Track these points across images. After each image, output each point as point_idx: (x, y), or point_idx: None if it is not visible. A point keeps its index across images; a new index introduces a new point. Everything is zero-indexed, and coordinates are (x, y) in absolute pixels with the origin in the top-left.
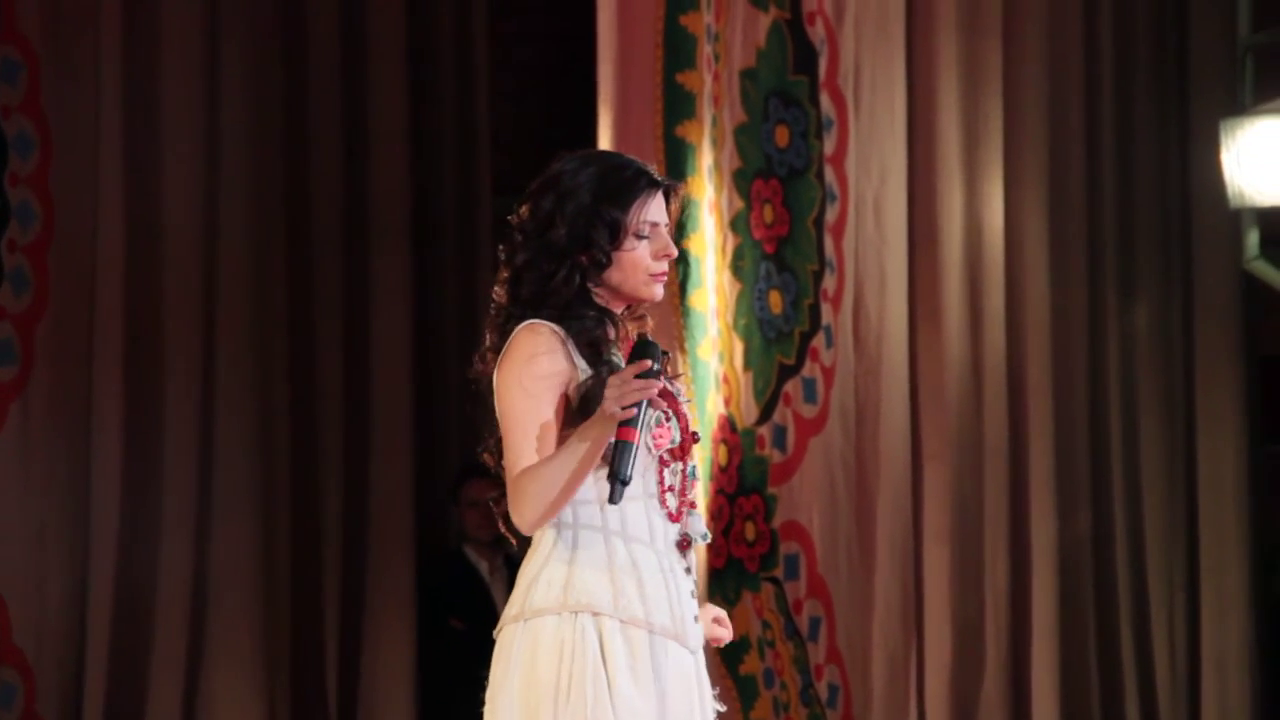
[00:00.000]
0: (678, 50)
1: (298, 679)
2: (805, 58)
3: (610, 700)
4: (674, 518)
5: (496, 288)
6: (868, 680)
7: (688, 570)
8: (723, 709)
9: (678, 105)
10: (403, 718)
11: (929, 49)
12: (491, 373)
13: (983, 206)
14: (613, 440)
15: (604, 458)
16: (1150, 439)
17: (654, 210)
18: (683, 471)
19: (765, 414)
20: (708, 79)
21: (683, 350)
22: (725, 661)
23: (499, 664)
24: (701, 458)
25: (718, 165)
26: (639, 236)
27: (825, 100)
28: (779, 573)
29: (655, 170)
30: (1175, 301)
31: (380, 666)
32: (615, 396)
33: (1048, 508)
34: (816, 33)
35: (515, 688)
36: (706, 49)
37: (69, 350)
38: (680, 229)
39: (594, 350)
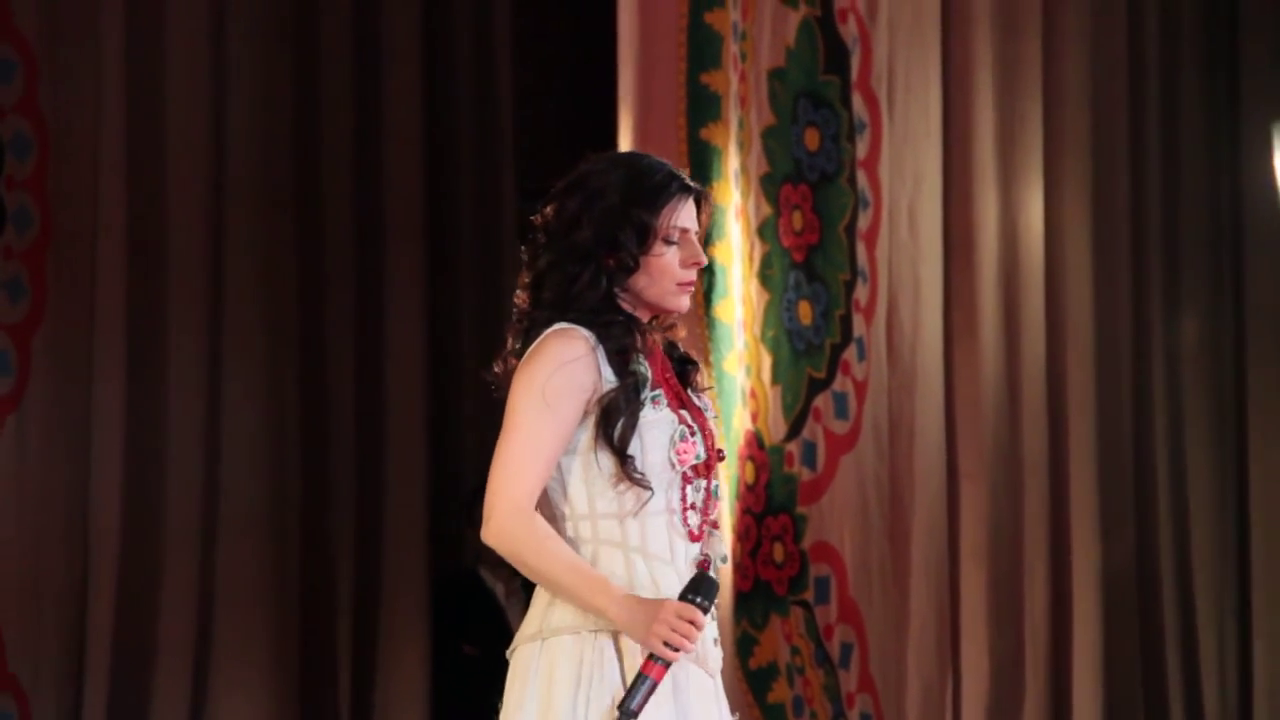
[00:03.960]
0: (702, 49)
1: (308, 706)
2: (837, 57)
3: None
4: (695, 537)
5: (519, 290)
6: (901, 710)
7: None
8: None
9: (702, 107)
10: None
11: (965, 47)
12: (511, 376)
13: (1021, 212)
14: (638, 674)
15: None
16: (1198, 456)
17: (684, 216)
18: (706, 489)
19: (794, 430)
20: (734, 79)
21: (708, 363)
22: (753, 689)
23: (515, 685)
24: (728, 475)
25: (745, 169)
26: (668, 242)
27: (857, 102)
28: (809, 596)
29: (687, 175)
30: (1225, 311)
31: (393, 692)
32: (664, 633)
33: (1090, 528)
34: (849, 31)
35: (532, 710)
36: (733, 48)
37: (68, 360)
38: (705, 237)
39: (622, 359)
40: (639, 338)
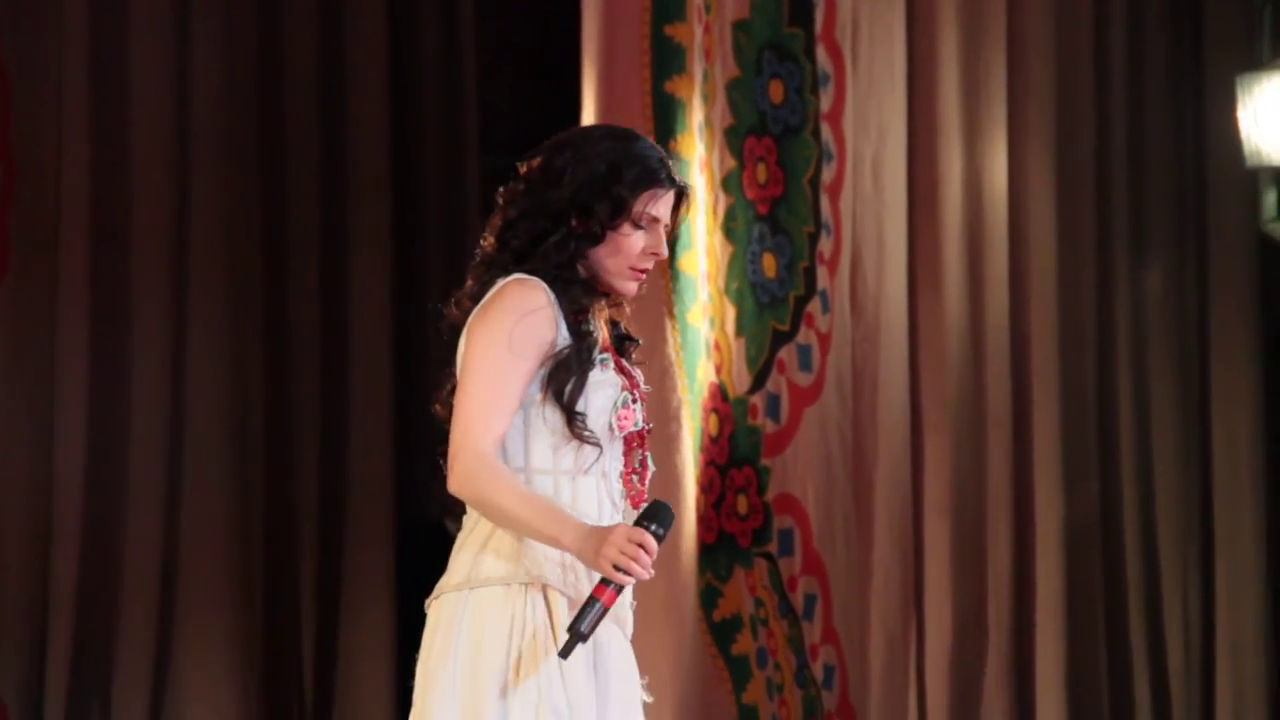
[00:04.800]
0: (666, 2)
1: (272, 661)
2: (801, 9)
3: (561, 678)
4: (636, 502)
5: (486, 233)
6: (865, 660)
7: None
8: (650, 699)
9: (666, 59)
10: (382, 700)
11: None
12: (465, 320)
13: (985, 165)
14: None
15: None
16: (1162, 409)
17: (661, 207)
18: (642, 459)
19: (758, 382)
20: (698, 31)
21: (672, 315)
22: (717, 641)
23: (439, 634)
24: (692, 427)
25: (709, 122)
26: (636, 225)
27: (822, 54)
28: (773, 548)
29: (676, 170)
30: (1189, 265)
31: (358, 647)
32: (613, 555)
33: (1053, 480)
34: None
35: (460, 661)
36: (696, 0)
37: (30, 315)
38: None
39: (576, 319)
40: (595, 300)
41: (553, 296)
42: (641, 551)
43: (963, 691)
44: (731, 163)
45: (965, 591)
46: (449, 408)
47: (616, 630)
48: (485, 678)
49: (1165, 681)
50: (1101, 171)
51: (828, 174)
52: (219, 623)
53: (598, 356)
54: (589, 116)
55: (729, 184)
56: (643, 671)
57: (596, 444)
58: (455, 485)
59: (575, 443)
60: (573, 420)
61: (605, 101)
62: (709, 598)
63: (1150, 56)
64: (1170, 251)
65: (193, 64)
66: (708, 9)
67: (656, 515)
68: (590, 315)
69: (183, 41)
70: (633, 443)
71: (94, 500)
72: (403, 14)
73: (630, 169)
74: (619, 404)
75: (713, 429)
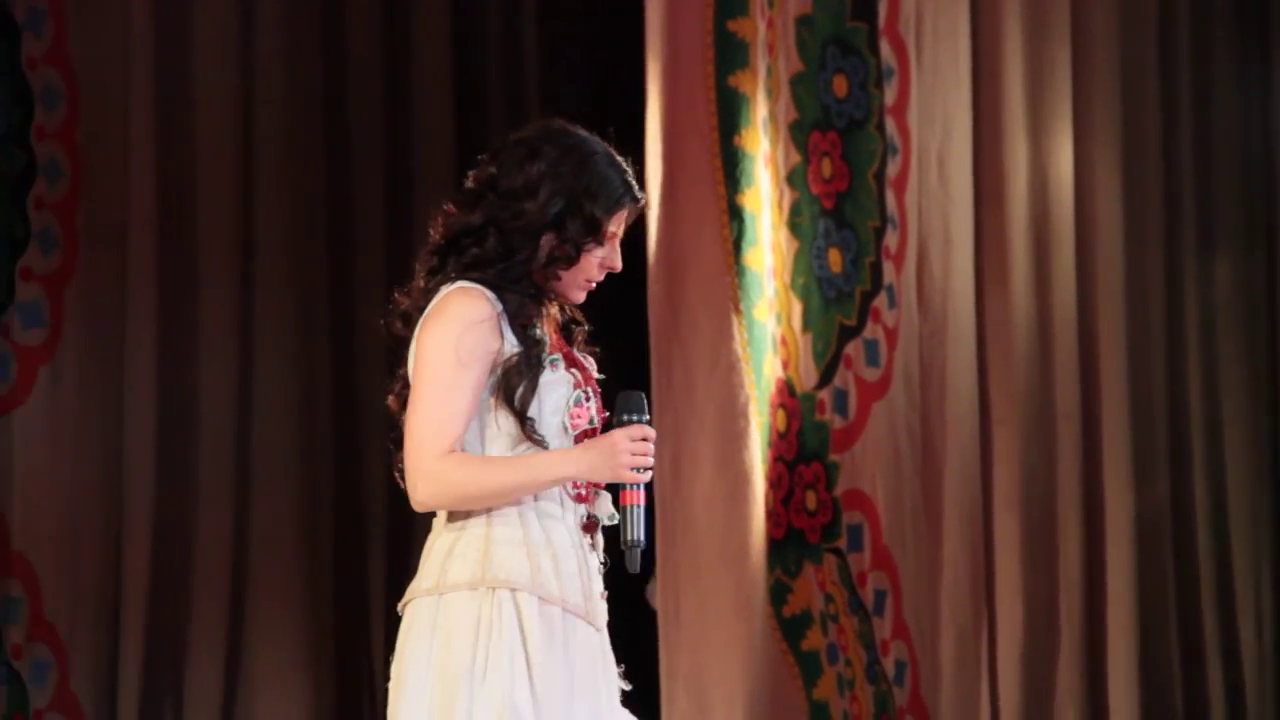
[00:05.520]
0: None
1: (342, 654)
2: (864, 3)
3: (529, 677)
4: (581, 499)
5: (438, 225)
6: (936, 656)
7: (592, 547)
8: (627, 687)
9: (730, 54)
10: None
11: None
12: (413, 315)
13: (1051, 157)
14: (616, 506)
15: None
16: (1232, 402)
17: (622, 222)
18: None
19: (825, 378)
20: (761, 26)
21: (738, 311)
22: (787, 637)
23: (411, 638)
24: (760, 423)
25: (773, 117)
26: (599, 243)
27: (885, 48)
28: (842, 544)
29: (635, 182)
30: (1257, 257)
31: None
32: (629, 460)
33: (1123, 474)
34: None
35: (429, 665)
36: None
37: (100, 311)
38: (735, 184)
39: (524, 327)
40: (542, 308)
41: (498, 305)
42: (647, 444)
43: (1035, 686)
44: (796, 158)
45: (1036, 586)
46: (401, 400)
47: (581, 624)
48: (453, 679)
49: (1239, 674)
50: (1168, 164)
51: (893, 168)
52: (289, 617)
53: (547, 359)
54: (653, 112)
55: (794, 179)
56: (713, 667)
57: (545, 446)
58: (425, 496)
59: (529, 444)
60: (524, 424)
61: (669, 97)
62: (778, 594)
63: (1216, 48)
64: (1238, 243)
65: (256, 64)
66: (770, 4)
67: (635, 405)
68: (536, 320)
69: (247, 43)
70: (584, 438)
71: (164, 498)
72: (466, 11)
73: (604, 188)
74: (571, 403)
75: (780, 425)
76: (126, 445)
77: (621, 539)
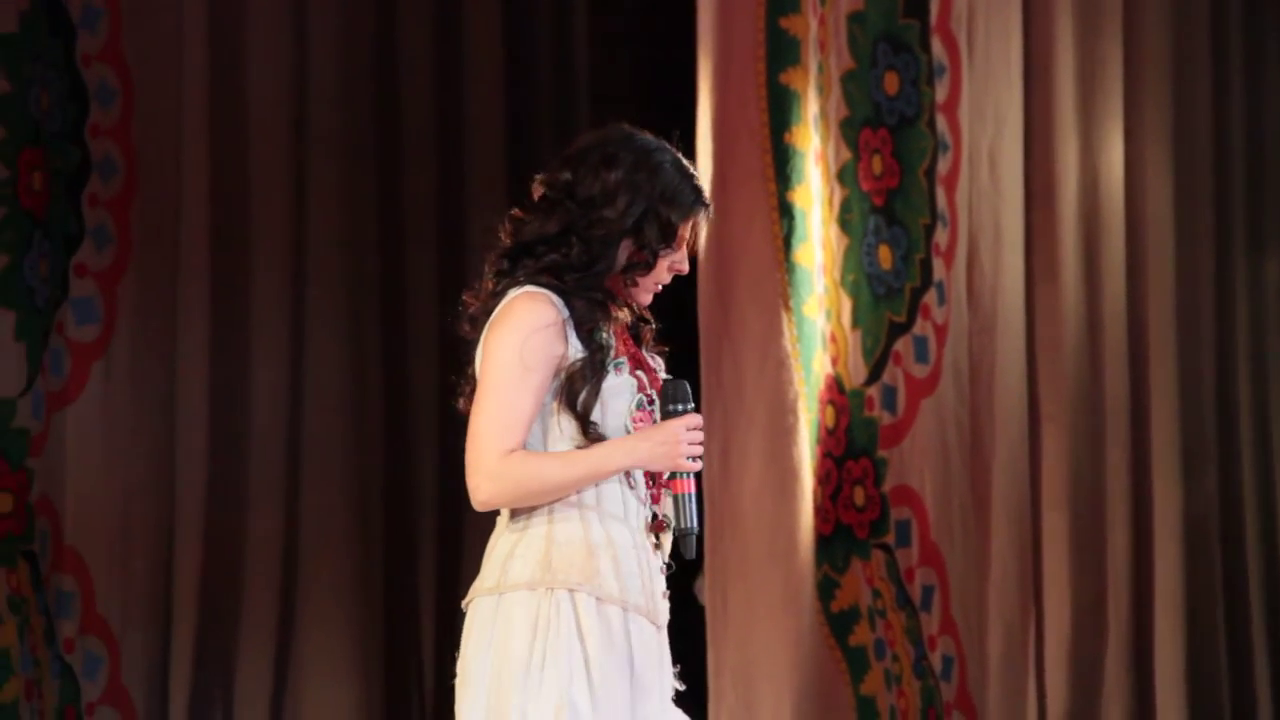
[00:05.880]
0: None
1: (391, 640)
2: (916, 0)
3: (588, 675)
4: (656, 498)
5: (509, 230)
6: (984, 651)
7: (657, 546)
8: (681, 688)
9: (782, 52)
10: None
11: None
12: (480, 319)
13: (1102, 155)
14: (670, 495)
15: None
16: None
17: (691, 227)
18: None
19: (874, 374)
20: (813, 23)
21: (788, 308)
22: (835, 632)
23: (473, 637)
24: (809, 420)
25: (824, 114)
26: (673, 248)
27: (937, 45)
28: (890, 539)
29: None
30: None
31: None
32: (684, 450)
33: (1172, 471)
34: None
35: (488, 663)
36: None
37: (153, 308)
38: (785, 181)
39: (590, 332)
40: (609, 313)
41: (564, 311)
42: (699, 433)
43: (1082, 683)
44: (847, 155)
45: (1084, 582)
46: (470, 402)
47: (644, 622)
48: (509, 677)
49: None
50: (1219, 162)
51: (943, 165)
52: (340, 611)
53: (610, 363)
54: (704, 109)
55: (844, 176)
56: (761, 662)
57: None
58: (488, 494)
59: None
60: (587, 429)
61: (720, 94)
62: (826, 589)
63: (1268, 46)
64: None
65: (309, 63)
66: (822, 1)
67: (683, 394)
68: (602, 324)
69: (299, 42)
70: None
71: (216, 493)
72: (516, 11)
73: (679, 195)
74: (634, 407)
75: (829, 421)
76: (178, 441)
77: (675, 527)
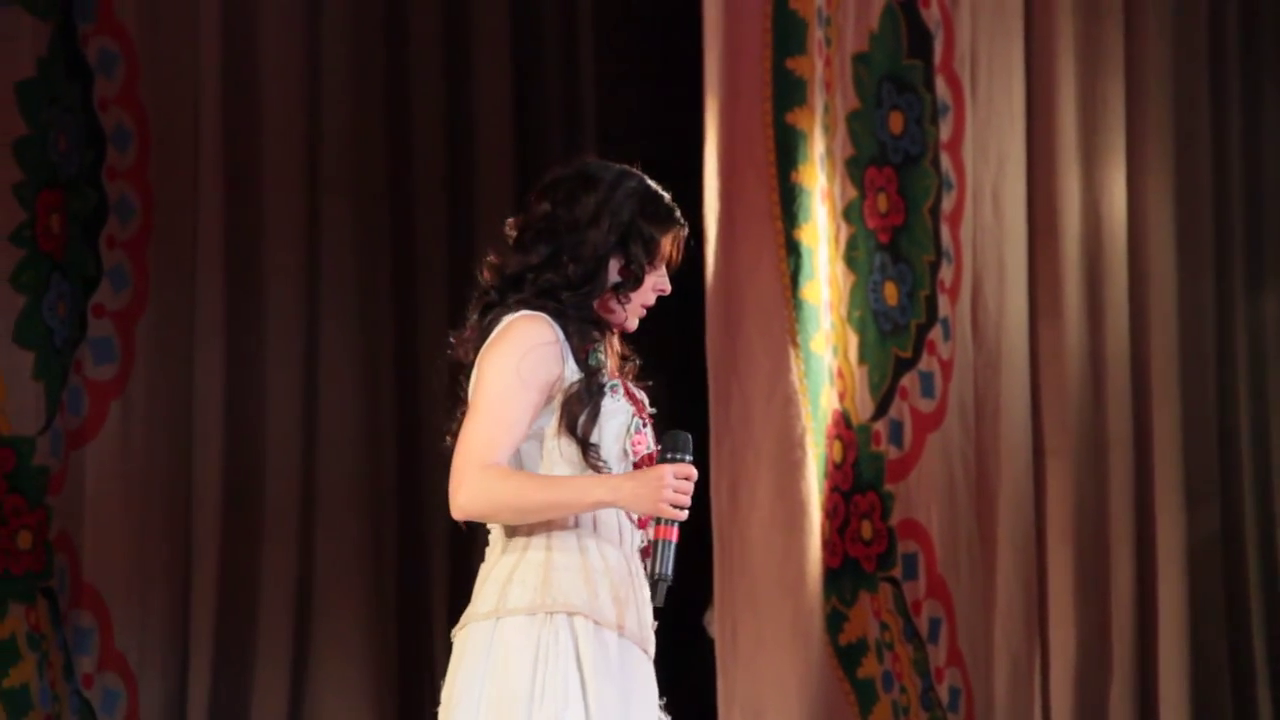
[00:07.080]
0: (787, 35)
1: (406, 676)
2: (920, 41)
3: (584, 701)
4: (642, 524)
5: (491, 267)
6: (990, 683)
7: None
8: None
9: (788, 92)
10: None
11: (1048, 30)
12: (471, 358)
13: (1104, 193)
14: (651, 539)
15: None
16: None
17: (676, 245)
18: None
19: (881, 409)
20: (819, 64)
21: (795, 344)
22: (843, 664)
23: (464, 662)
24: (816, 454)
25: (830, 153)
26: (655, 266)
27: (941, 85)
28: (897, 573)
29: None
30: None
31: None
32: (670, 496)
33: (1175, 504)
34: (931, 15)
35: (484, 690)
36: (817, 33)
37: (170, 348)
38: (792, 219)
39: (585, 355)
40: (603, 335)
41: (560, 333)
42: (688, 483)
43: (1087, 714)
44: (853, 193)
45: (1088, 614)
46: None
47: (636, 650)
48: (509, 704)
49: None
50: (1219, 198)
51: (948, 203)
52: (354, 647)
53: (608, 385)
54: (711, 148)
55: (850, 214)
56: (770, 694)
57: (609, 472)
58: (465, 501)
59: (591, 471)
60: (588, 451)
61: (728, 133)
62: (834, 622)
63: (1267, 85)
64: None
65: (323, 109)
66: (828, 42)
67: (683, 445)
68: (597, 346)
69: (313, 88)
70: (644, 465)
71: (231, 530)
72: (525, 49)
73: (656, 209)
74: (631, 429)
75: (836, 455)
76: (194, 478)
77: (649, 572)
